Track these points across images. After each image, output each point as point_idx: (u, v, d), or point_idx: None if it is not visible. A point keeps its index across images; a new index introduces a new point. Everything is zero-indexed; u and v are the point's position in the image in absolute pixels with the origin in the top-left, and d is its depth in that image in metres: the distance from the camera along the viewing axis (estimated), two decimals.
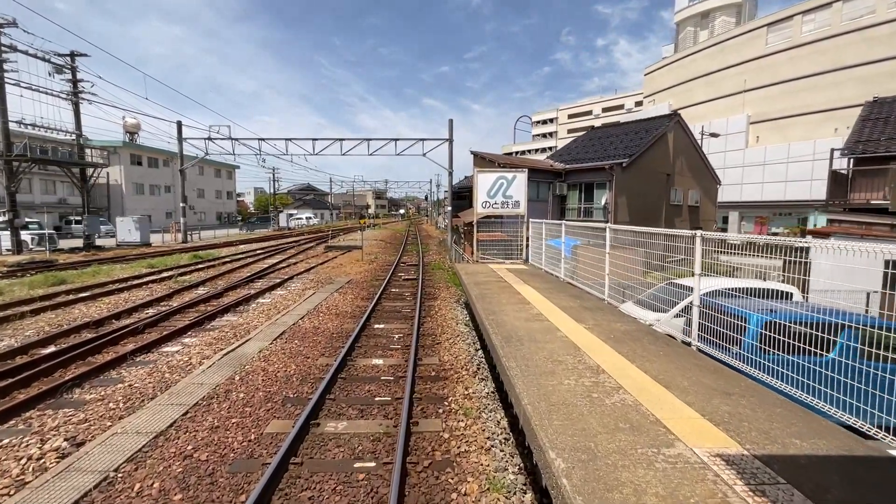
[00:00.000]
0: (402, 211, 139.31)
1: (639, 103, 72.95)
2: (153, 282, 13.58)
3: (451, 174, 28.51)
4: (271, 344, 7.67)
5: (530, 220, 11.62)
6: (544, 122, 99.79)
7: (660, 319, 6.43)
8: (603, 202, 19.74)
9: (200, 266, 17.50)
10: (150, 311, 9.98)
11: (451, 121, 28.43)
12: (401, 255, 23.54)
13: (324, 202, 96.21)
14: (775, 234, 41.69)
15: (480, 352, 7.51)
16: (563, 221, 9.60)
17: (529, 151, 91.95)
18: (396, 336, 8.45)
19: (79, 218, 38.09)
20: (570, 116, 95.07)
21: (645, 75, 61.43)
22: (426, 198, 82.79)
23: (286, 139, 28.59)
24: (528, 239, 11.52)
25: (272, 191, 53.34)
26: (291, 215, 71.11)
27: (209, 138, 28.87)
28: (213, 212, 63.79)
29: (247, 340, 7.82)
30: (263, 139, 28.67)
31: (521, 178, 11.30)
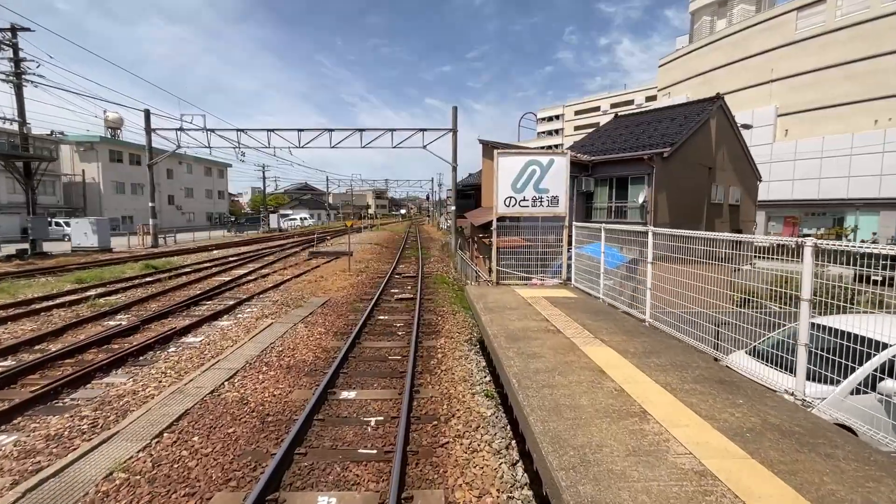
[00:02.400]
0: (402, 211, 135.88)
1: (650, 98, 69.52)
2: (61, 306, 10.17)
3: (454, 169, 25.09)
4: (143, 451, 4.24)
5: (573, 222, 8.17)
6: (549, 118, 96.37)
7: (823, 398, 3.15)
8: (640, 200, 16.33)
9: (148, 279, 14.12)
10: None
11: (454, 109, 25.07)
12: (397, 262, 20.13)
13: (322, 202, 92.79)
14: (807, 235, 38.19)
15: (523, 471, 4.07)
16: (614, 226, 6.24)
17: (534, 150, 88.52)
18: (373, 421, 5.00)
19: (56, 220, 34.81)
20: (576, 113, 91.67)
21: (659, 67, 57.97)
22: (428, 197, 79.36)
23: (268, 130, 25.21)
24: (571, 251, 8.05)
25: (263, 190, 49.90)
26: (285, 216, 67.87)
27: (181, 129, 25.50)
28: (204, 212, 60.50)
29: (99, 444, 4.38)
30: (242, 130, 25.29)
31: (561, 163, 7.85)
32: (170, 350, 7.38)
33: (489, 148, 17.94)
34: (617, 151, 17.57)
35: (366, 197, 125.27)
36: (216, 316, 9.56)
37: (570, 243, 8.17)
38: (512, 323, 5.41)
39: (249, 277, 15.09)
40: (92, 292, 11.71)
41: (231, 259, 20.14)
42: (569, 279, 8.31)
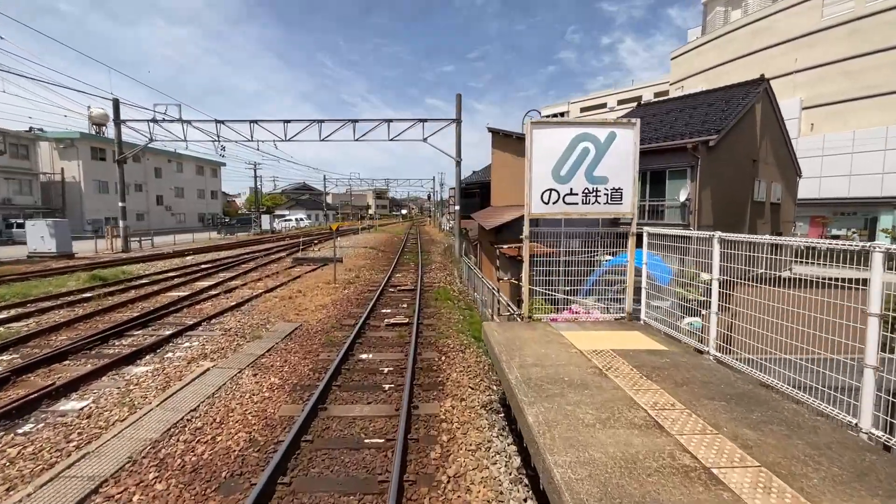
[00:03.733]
0: (403, 211, 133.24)
1: (659, 94, 66.80)
2: None
3: (458, 164, 22.44)
4: None
5: (645, 227, 5.52)
6: (554, 116, 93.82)
7: None
8: (682, 198, 13.64)
9: (86, 295, 11.48)
10: None
11: (458, 96, 22.42)
12: (392, 270, 17.48)
13: (320, 202, 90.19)
14: (836, 237, 35.43)
15: None
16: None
17: None
18: None
19: (21, 221, 32.19)
20: (582, 110, 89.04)
21: (672, 59, 55.32)
22: (429, 197, 76.71)
23: (251, 121, 22.59)
24: (645, 272, 5.38)
25: (256, 189, 47.28)
26: (281, 216, 65.31)
27: (154, 120, 22.89)
28: (195, 213, 57.94)
29: None
30: (221, 121, 22.67)
31: (627, 139, 5.17)
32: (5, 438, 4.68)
33: (500, 137, 15.32)
34: (649, 141, 14.93)
35: (366, 197, 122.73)
36: (135, 356, 6.90)
37: (616, 257, 5.50)
38: (592, 434, 2.73)
39: (212, 292, 12.45)
40: None
41: (203, 266, 17.51)
42: (631, 311, 5.61)
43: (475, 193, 32.75)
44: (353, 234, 43.05)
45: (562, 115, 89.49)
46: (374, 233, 44.81)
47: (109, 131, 44.00)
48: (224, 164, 62.61)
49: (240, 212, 71.55)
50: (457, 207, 22.80)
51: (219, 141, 23.30)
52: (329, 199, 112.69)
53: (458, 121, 22.36)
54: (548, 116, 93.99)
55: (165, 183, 52.29)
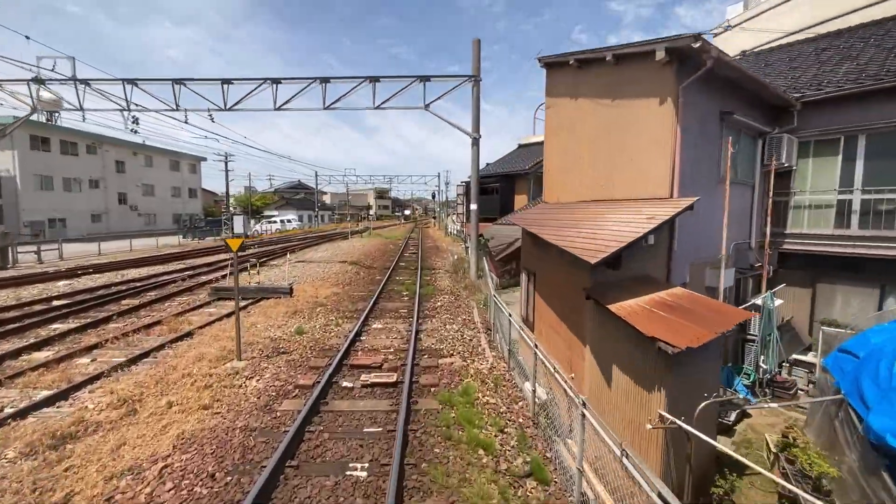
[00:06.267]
0: (407, 212, 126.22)
1: None
2: None
3: (476, 143, 15.22)
4: None
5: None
6: None
7: None
8: None
9: None
10: None
11: (476, 42, 15.17)
12: (370, 309, 10.26)
13: (317, 202, 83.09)
14: None
15: None
16: None
17: None
18: None
19: None
20: None
21: (714, 38, 47.50)
22: (433, 196, 69.39)
23: (174, 80, 15.43)
24: None
25: (227, 185, 40.17)
26: (269, 217, 58.32)
27: (38, 81, 15.76)
28: (169, 213, 51.07)
29: None
30: (132, 81, 15.50)
31: None
32: None
33: (568, 69, 7.96)
34: (853, 80, 7.65)
35: (367, 197, 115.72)
36: None
37: None
38: None
39: None
40: None
41: (38, 311, 10.32)
42: None
43: (492, 189, 25.40)
44: (341, 239, 35.81)
45: None
46: (367, 238, 37.49)
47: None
48: (205, 159, 55.70)
49: (222, 211, 64.53)
50: (474, 207, 15.47)
51: (129, 110, 16.09)
52: (328, 199, 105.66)
53: (476, 78, 15.07)
54: None
55: (130, 179, 45.38)
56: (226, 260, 19.98)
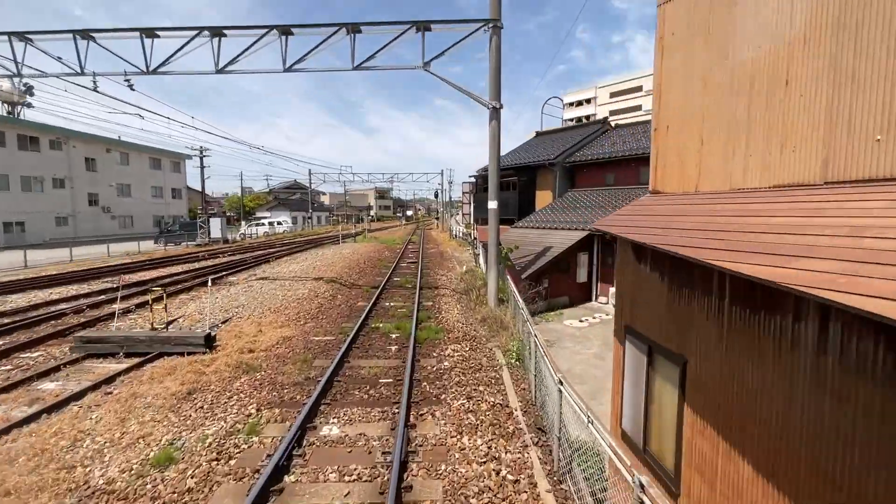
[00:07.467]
0: (409, 213, 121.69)
1: None
2: None
3: (496, 111, 10.75)
4: None
5: None
6: (579, 103, 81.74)
7: None
8: None
9: None
10: None
11: None
12: (341, 359, 5.92)
13: (315, 203, 78.84)
14: None
15: None
16: None
17: None
18: None
19: None
20: (612, 95, 76.96)
21: None
22: (436, 195, 65.06)
23: (77, 33, 11.08)
24: None
25: (202, 183, 35.80)
26: (259, 219, 54.10)
27: None
28: (149, 215, 46.89)
29: None
30: (22, 35, 11.17)
31: None
32: None
33: None
34: None
35: (367, 197, 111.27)
36: None
37: None
38: None
39: None
40: None
41: None
42: None
43: (508, 184, 20.86)
44: (332, 243, 31.44)
45: (588, 101, 77.47)
46: (362, 242, 33.03)
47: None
48: (189, 157, 51.51)
49: (210, 213, 60.31)
50: (493, 205, 10.99)
51: (20, 76, 11.75)
52: (326, 200, 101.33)
53: (496, 23, 10.62)
54: (571, 104, 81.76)
55: (103, 178, 41.17)
56: (176, 274, 15.63)
